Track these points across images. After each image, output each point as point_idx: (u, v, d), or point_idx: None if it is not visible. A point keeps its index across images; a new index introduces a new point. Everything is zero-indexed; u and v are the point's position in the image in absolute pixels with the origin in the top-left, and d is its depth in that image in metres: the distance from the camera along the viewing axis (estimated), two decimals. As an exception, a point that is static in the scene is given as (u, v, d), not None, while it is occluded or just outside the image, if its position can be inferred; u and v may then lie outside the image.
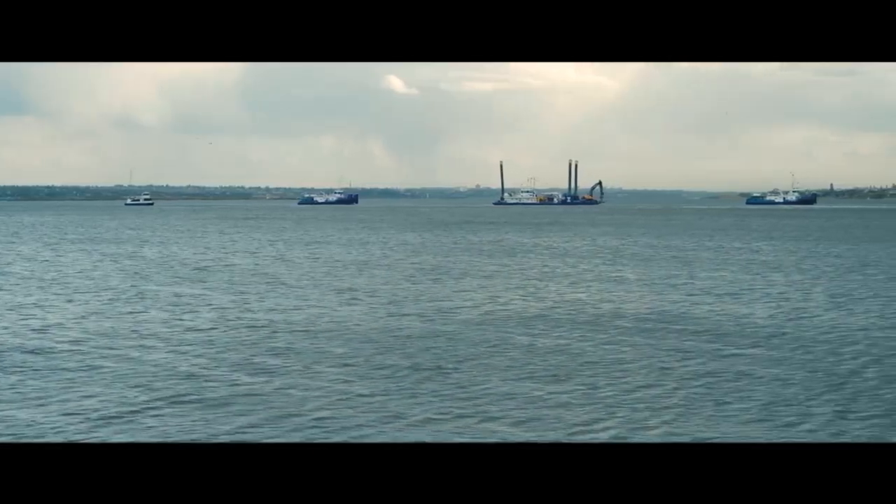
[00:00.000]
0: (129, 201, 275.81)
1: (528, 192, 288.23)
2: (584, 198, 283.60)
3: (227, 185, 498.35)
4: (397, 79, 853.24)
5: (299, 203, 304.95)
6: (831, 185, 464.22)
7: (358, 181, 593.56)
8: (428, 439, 16.82)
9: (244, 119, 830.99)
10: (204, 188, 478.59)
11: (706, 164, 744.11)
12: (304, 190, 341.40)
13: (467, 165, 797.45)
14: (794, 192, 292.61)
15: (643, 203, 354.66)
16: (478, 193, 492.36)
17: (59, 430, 18.00)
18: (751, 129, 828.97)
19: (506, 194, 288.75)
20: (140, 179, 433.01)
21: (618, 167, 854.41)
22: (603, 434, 17.75)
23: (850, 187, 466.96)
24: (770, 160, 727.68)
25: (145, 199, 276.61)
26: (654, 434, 17.73)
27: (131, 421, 18.63)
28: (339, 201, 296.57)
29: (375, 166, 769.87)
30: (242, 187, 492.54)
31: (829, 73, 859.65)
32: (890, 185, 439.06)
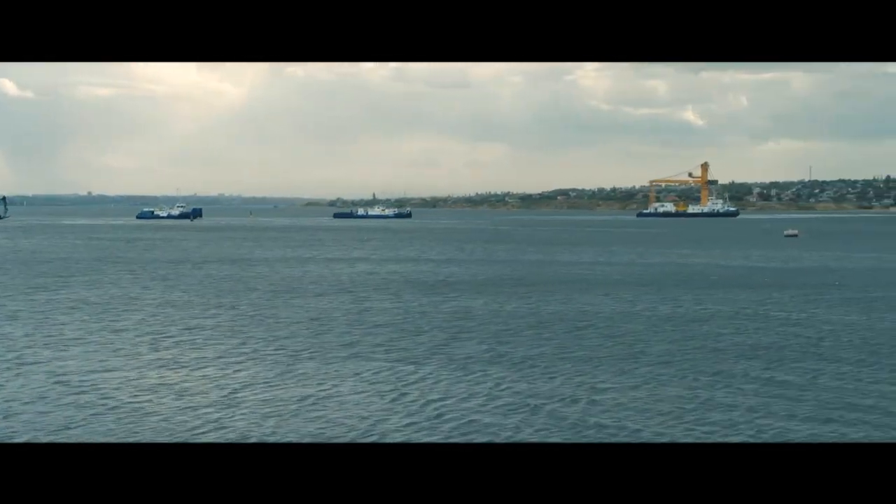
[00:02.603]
0: None
1: None
2: None
3: None
4: (9, 81, 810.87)
5: None
6: (430, 196, 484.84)
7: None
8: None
9: None
10: None
11: (330, 172, 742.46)
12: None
13: (86, 171, 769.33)
14: (178, 206, 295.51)
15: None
16: (91, 200, 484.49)
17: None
18: (378, 138, 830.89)
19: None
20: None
21: (239, 174, 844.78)
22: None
23: (472, 194, 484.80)
24: (398, 168, 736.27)
25: None
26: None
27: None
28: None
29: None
30: None
31: (441, 85, 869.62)
32: (492, 192, 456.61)
